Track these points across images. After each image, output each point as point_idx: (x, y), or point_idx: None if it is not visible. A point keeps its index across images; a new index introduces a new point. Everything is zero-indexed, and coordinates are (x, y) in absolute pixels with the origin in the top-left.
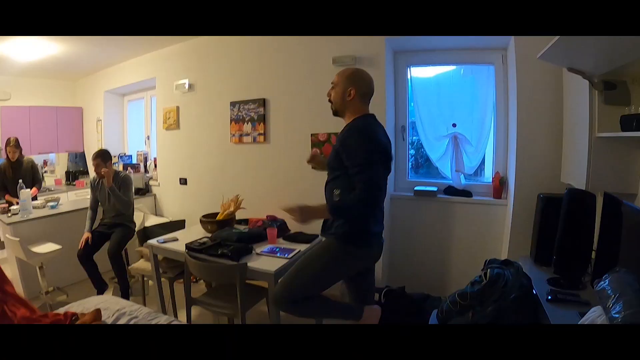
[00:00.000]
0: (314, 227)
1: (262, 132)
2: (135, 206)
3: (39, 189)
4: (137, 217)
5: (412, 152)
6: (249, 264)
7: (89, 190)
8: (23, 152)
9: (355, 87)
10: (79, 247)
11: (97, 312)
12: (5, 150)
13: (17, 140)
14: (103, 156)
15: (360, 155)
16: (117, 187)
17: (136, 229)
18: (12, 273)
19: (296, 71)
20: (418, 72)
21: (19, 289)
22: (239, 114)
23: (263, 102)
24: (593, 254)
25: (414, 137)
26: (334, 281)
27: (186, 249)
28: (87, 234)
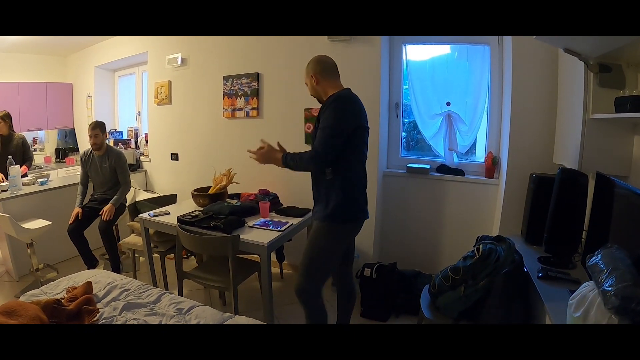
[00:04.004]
0: (306, 202)
1: (256, 106)
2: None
3: (29, 166)
4: (130, 193)
5: (403, 134)
6: (241, 237)
7: (79, 167)
8: (13, 129)
9: (313, 72)
10: (70, 222)
11: (88, 285)
12: None
13: (7, 114)
14: (102, 126)
15: (331, 118)
16: (110, 163)
17: (127, 204)
18: (2, 251)
19: (291, 46)
20: (413, 55)
21: (9, 266)
22: (232, 88)
23: (257, 77)
24: (584, 234)
25: (405, 120)
26: (336, 258)
27: (178, 221)
28: (77, 209)
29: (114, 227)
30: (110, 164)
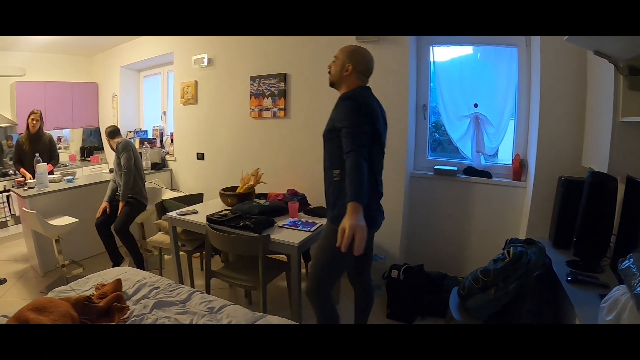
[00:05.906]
0: None
1: (283, 107)
2: (151, 181)
3: (54, 165)
4: (155, 192)
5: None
6: (271, 236)
7: (103, 165)
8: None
9: (352, 64)
10: (97, 216)
11: (118, 283)
12: (27, 121)
13: (40, 113)
14: (108, 133)
15: (349, 119)
16: (117, 155)
17: (147, 203)
18: (28, 247)
19: (318, 46)
20: (440, 56)
21: (34, 262)
22: (259, 88)
23: (284, 77)
24: (612, 238)
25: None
26: (343, 260)
27: (207, 220)
28: (104, 204)
29: (140, 225)
30: (117, 155)
